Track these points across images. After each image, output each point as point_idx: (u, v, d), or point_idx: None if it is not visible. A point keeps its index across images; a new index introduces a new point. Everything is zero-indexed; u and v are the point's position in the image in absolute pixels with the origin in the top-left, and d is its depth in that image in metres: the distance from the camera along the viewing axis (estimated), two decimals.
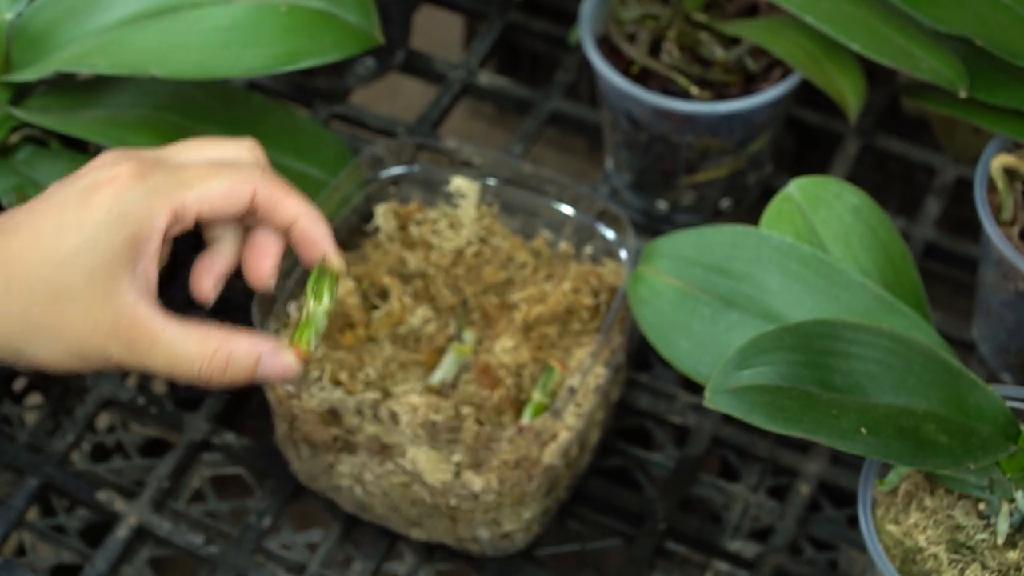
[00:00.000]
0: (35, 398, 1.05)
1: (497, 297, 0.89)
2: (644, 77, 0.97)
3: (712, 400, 0.70)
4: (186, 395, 1.07)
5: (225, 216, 0.68)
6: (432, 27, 1.38)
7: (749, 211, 0.98)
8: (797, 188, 0.85)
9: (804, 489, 0.92)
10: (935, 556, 0.72)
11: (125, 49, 0.84)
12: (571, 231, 0.91)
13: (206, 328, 0.67)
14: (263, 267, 0.70)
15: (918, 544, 0.73)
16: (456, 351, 0.87)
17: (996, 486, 0.72)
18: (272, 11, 0.85)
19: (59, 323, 0.64)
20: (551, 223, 0.92)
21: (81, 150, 0.89)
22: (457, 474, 0.82)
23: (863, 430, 0.69)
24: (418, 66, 1.14)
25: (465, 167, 0.92)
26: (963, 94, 0.86)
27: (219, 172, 0.67)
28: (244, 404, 1.03)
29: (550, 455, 0.82)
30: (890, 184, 1.22)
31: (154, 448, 1.03)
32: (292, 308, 0.86)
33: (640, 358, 0.98)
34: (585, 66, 1.08)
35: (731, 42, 0.98)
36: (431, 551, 0.89)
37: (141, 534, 0.90)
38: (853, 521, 0.93)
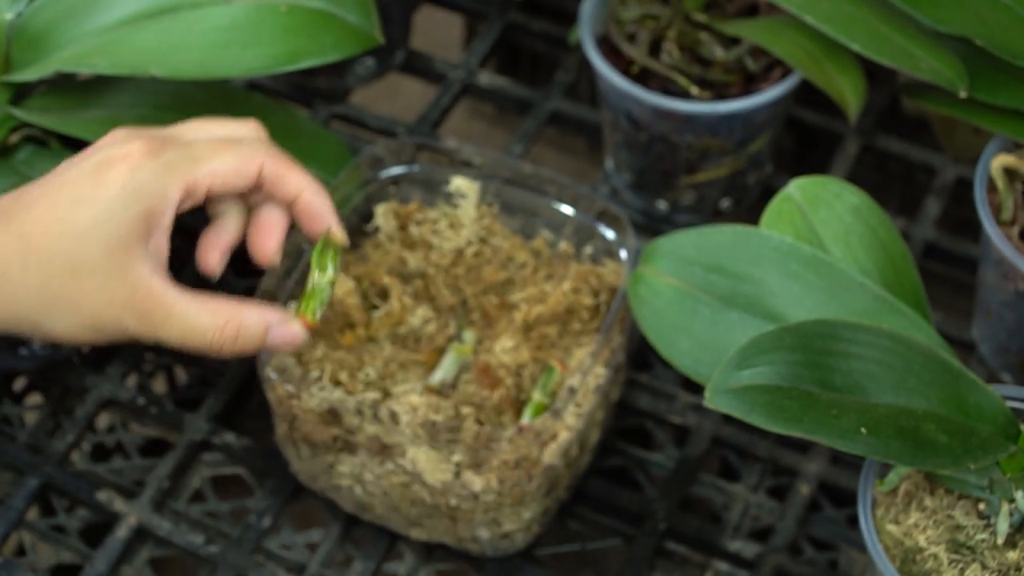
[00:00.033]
0: (35, 398, 1.05)
1: (497, 297, 0.89)
2: (644, 77, 0.97)
3: (712, 400, 0.70)
4: (186, 395, 1.07)
5: (234, 190, 0.70)
6: (432, 27, 1.38)
7: (749, 211, 0.98)
8: (797, 188, 0.85)
9: (804, 489, 0.92)
10: (935, 556, 0.72)
11: (125, 49, 0.84)
12: (571, 231, 0.91)
13: (216, 300, 0.68)
14: (269, 245, 0.72)
15: (918, 544, 0.73)
16: (456, 351, 0.87)
17: (996, 486, 0.72)
18: (272, 11, 0.85)
19: (76, 296, 0.66)
20: (551, 223, 0.92)
21: (81, 150, 0.89)
22: (457, 474, 0.82)
23: (863, 430, 0.69)
24: (418, 66, 1.14)
25: (465, 167, 0.92)
26: (963, 94, 0.86)
27: (228, 147, 0.69)
28: (244, 404, 1.03)
29: (550, 455, 0.82)
30: (890, 184, 1.22)
31: (154, 448, 1.03)
32: (292, 307, 0.86)
33: (640, 358, 0.98)
34: (585, 66, 1.08)
35: (731, 42, 0.98)
36: (431, 551, 0.89)
37: (141, 534, 0.90)
38: (853, 521, 0.93)
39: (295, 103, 1.11)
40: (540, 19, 1.18)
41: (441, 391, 0.85)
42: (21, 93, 0.88)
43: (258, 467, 0.93)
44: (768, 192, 0.92)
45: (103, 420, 1.07)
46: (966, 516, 0.73)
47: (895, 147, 1.09)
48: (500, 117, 1.57)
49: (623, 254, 0.89)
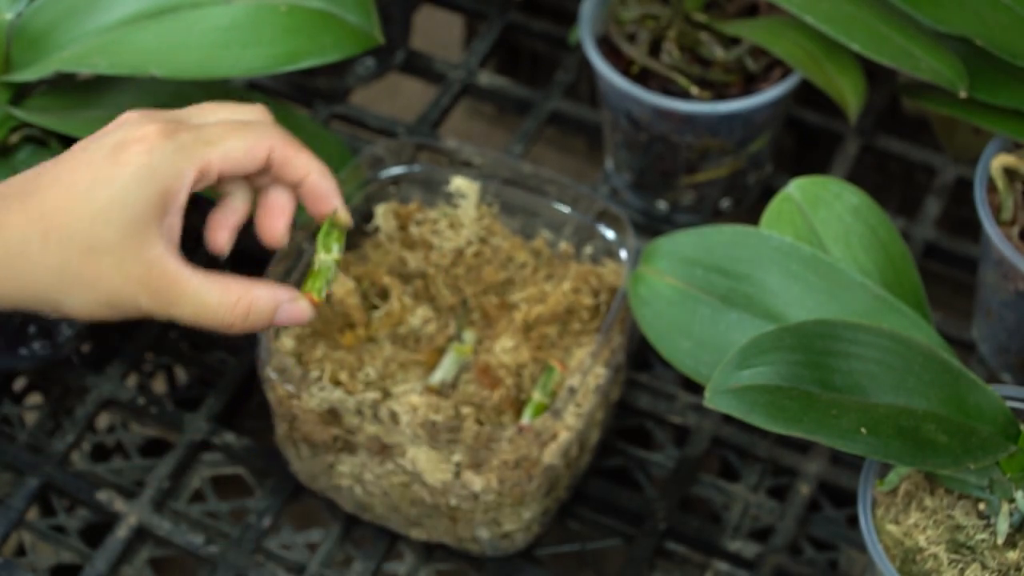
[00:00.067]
0: (35, 398, 1.05)
1: (497, 297, 0.89)
2: (644, 77, 0.97)
3: (712, 400, 0.70)
4: (186, 395, 1.07)
5: (244, 172, 0.72)
6: (432, 27, 1.38)
7: (749, 211, 0.98)
8: (797, 188, 0.85)
9: (804, 489, 0.92)
10: (935, 556, 0.72)
11: (125, 49, 0.84)
12: (571, 231, 0.91)
13: (228, 278, 0.70)
14: (277, 226, 0.74)
15: (918, 544, 0.73)
16: (456, 351, 0.87)
17: (996, 486, 0.72)
18: (272, 11, 0.85)
19: (94, 274, 0.68)
20: (551, 223, 0.92)
21: None
22: (457, 474, 0.82)
23: (863, 430, 0.69)
24: (418, 66, 1.14)
25: (465, 167, 0.92)
26: (963, 94, 0.86)
27: (240, 130, 0.71)
28: (244, 404, 1.03)
29: (550, 455, 0.82)
30: (890, 184, 1.22)
31: (154, 448, 1.03)
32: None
33: (640, 358, 0.98)
34: (585, 66, 1.08)
35: (731, 42, 0.98)
36: (431, 551, 0.89)
37: (141, 534, 0.90)
38: (853, 521, 0.93)
39: (295, 103, 1.11)
40: (540, 19, 1.18)
41: (441, 391, 0.85)
42: (21, 93, 0.88)
43: (258, 467, 0.93)
44: (768, 192, 0.92)
45: (103, 420, 1.07)
46: (966, 516, 0.73)
47: (895, 147, 1.09)
48: (500, 117, 1.57)
49: (623, 254, 0.89)
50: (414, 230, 0.91)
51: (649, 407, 0.95)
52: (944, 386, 0.71)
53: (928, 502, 0.74)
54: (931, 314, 0.82)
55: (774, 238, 0.82)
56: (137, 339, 0.98)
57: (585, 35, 0.98)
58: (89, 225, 0.67)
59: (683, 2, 0.97)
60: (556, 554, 0.91)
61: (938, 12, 0.85)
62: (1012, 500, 0.72)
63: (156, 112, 0.72)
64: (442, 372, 0.86)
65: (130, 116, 0.71)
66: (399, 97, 1.48)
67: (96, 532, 0.93)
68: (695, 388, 0.92)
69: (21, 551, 0.96)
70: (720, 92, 0.97)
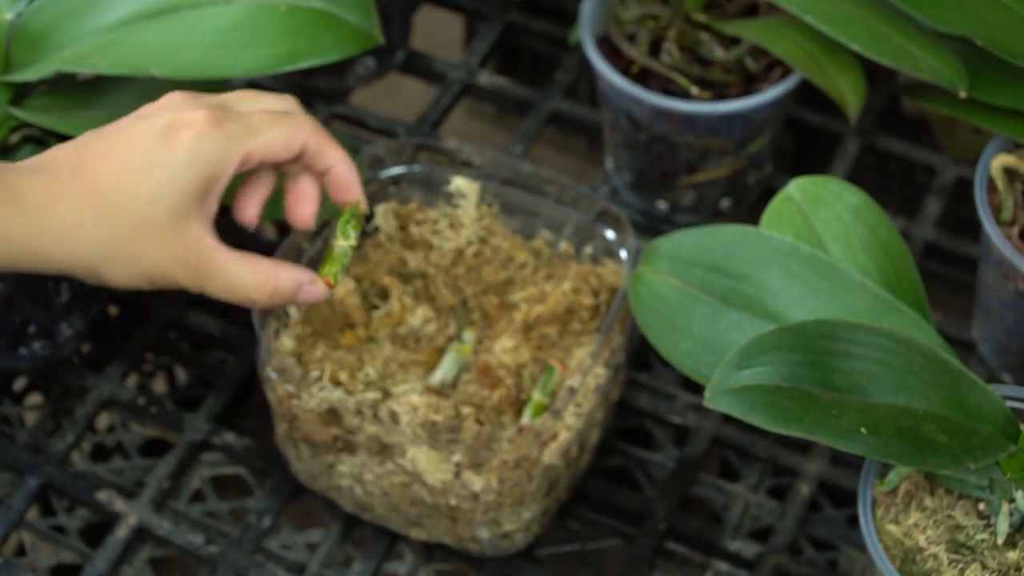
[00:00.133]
0: (35, 398, 1.05)
1: (497, 297, 0.89)
2: (644, 77, 0.97)
3: (712, 400, 0.70)
4: (186, 395, 1.07)
5: (281, 160, 0.76)
6: (432, 27, 1.38)
7: (749, 211, 0.98)
8: (797, 188, 0.85)
9: (804, 489, 0.92)
10: (935, 556, 0.72)
11: (125, 49, 0.84)
12: (571, 231, 0.91)
13: (257, 260, 0.75)
14: (307, 212, 0.78)
15: (918, 544, 0.73)
16: (456, 351, 0.87)
17: (996, 486, 0.72)
18: (272, 11, 0.85)
19: (139, 250, 0.72)
20: (551, 223, 0.92)
21: None
22: (457, 474, 0.82)
23: (863, 430, 0.69)
24: (418, 66, 1.14)
25: (465, 167, 0.92)
26: (963, 94, 0.86)
27: (280, 121, 0.75)
28: (244, 404, 1.03)
29: (550, 455, 0.82)
30: (890, 184, 1.22)
31: (154, 448, 1.03)
32: (292, 308, 0.86)
33: (640, 358, 0.98)
34: (585, 66, 1.08)
35: (731, 42, 0.98)
36: (431, 551, 0.89)
37: (141, 534, 0.90)
38: (853, 521, 0.93)
39: None
40: (540, 19, 1.18)
41: (441, 391, 0.85)
42: (21, 93, 0.88)
43: (258, 467, 0.93)
44: (768, 192, 0.92)
45: (103, 420, 1.07)
46: (966, 516, 0.73)
47: (895, 147, 1.09)
48: (500, 117, 1.57)
49: (623, 254, 0.89)
50: (414, 230, 0.91)
51: (649, 407, 0.95)
52: (944, 386, 0.71)
53: (928, 502, 0.74)
54: (931, 314, 0.82)
55: (774, 238, 0.82)
56: (137, 339, 0.98)
57: (585, 35, 0.98)
58: (139, 205, 0.71)
59: (683, 2, 0.97)
60: (556, 554, 0.91)
61: (938, 12, 0.85)
62: (1012, 500, 0.72)
63: (200, 96, 0.75)
64: (442, 372, 0.86)
65: (174, 98, 0.75)
66: (399, 97, 1.49)
67: (96, 532, 0.93)
68: (695, 388, 0.92)
69: (21, 551, 0.96)
70: (720, 92, 0.97)
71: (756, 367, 0.71)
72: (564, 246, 0.91)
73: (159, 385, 1.17)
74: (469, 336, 0.88)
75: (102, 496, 0.91)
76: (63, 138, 0.87)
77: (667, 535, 0.90)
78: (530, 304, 0.88)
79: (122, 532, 0.89)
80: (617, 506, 0.91)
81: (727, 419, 0.93)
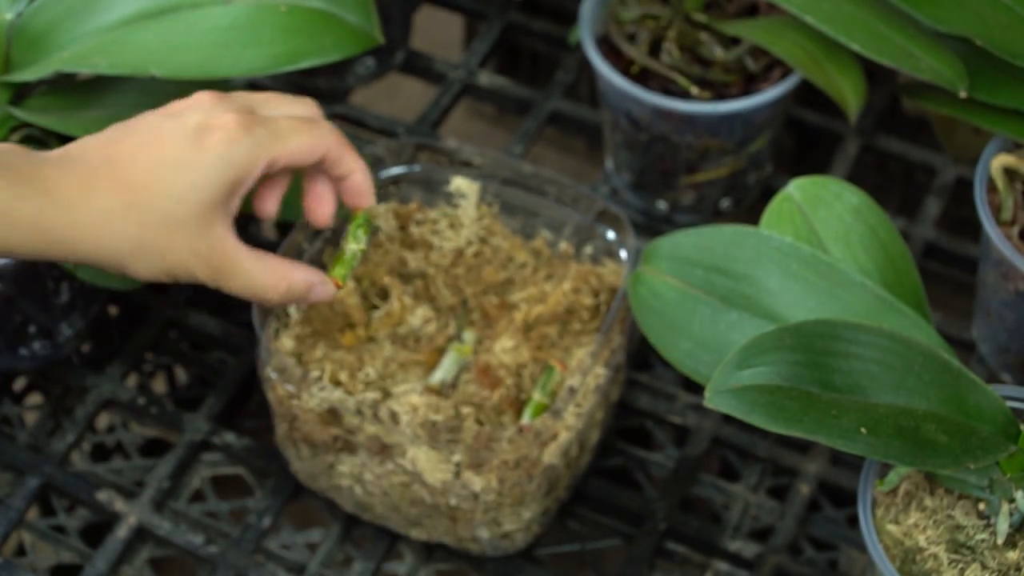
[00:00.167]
0: (35, 398, 1.05)
1: (497, 297, 0.89)
2: (644, 77, 0.97)
3: (712, 400, 0.70)
4: (186, 395, 1.07)
5: (303, 165, 0.78)
6: (432, 27, 1.38)
7: (749, 211, 0.98)
8: (797, 188, 0.85)
9: (804, 489, 0.92)
10: (935, 556, 0.72)
11: (125, 49, 0.84)
12: (571, 231, 0.91)
13: (273, 259, 0.77)
14: (326, 211, 0.81)
15: (918, 544, 0.73)
16: (456, 351, 0.87)
17: (996, 486, 0.72)
18: (272, 11, 0.85)
19: (164, 247, 0.74)
20: (551, 223, 0.91)
21: None
22: (457, 474, 0.82)
23: (863, 430, 0.69)
24: (418, 66, 1.14)
25: (465, 167, 0.92)
26: (963, 94, 0.86)
27: (305, 128, 0.77)
28: (244, 404, 1.03)
29: (550, 455, 0.82)
30: (890, 184, 1.22)
31: (154, 448, 1.03)
32: (292, 308, 0.86)
33: (640, 358, 0.98)
34: (585, 66, 1.08)
35: (731, 42, 0.98)
36: (431, 551, 0.89)
37: (141, 534, 0.90)
38: (853, 521, 0.93)
39: None
40: (540, 19, 1.18)
41: (441, 391, 0.85)
42: (21, 93, 0.88)
43: (258, 467, 0.93)
44: (768, 192, 0.92)
45: (103, 420, 1.07)
46: (966, 516, 0.73)
47: (895, 147, 1.09)
48: (500, 117, 1.57)
49: (623, 254, 0.89)
50: (414, 230, 0.91)
51: (649, 407, 0.95)
52: (944, 386, 0.71)
53: (928, 502, 0.74)
54: (931, 314, 0.82)
55: (774, 238, 0.82)
56: (137, 339, 0.98)
57: (585, 35, 0.98)
58: (168, 203, 0.73)
59: (683, 2, 0.97)
60: (556, 554, 0.91)
61: (938, 12, 0.85)
62: (1012, 500, 0.72)
63: (229, 97, 0.77)
64: (442, 372, 0.86)
65: (204, 99, 0.76)
66: (399, 97, 1.49)
67: (96, 532, 0.93)
68: (695, 388, 0.92)
69: (21, 551, 0.96)
70: (720, 92, 0.97)
71: (756, 367, 0.71)
72: (564, 246, 0.91)
73: (159, 385, 1.17)
74: (469, 336, 0.88)
75: (102, 496, 0.91)
76: (63, 138, 0.87)
77: (667, 535, 0.90)
78: (530, 304, 0.88)
79: (122, 532, 0.89)
80: (617, 506, 0.91)
81: (727, 419, 0.93)
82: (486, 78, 1.13)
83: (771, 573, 0.88)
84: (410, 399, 0.83)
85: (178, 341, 1.02)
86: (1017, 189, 0.87)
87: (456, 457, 0.81)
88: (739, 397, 0.70)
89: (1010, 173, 0.86)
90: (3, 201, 0.71)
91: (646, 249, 0.85)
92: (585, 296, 0.88)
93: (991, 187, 0.87)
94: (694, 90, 0.96)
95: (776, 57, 0.96)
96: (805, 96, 1.06)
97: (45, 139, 0.87)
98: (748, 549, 0.89)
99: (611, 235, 0.89)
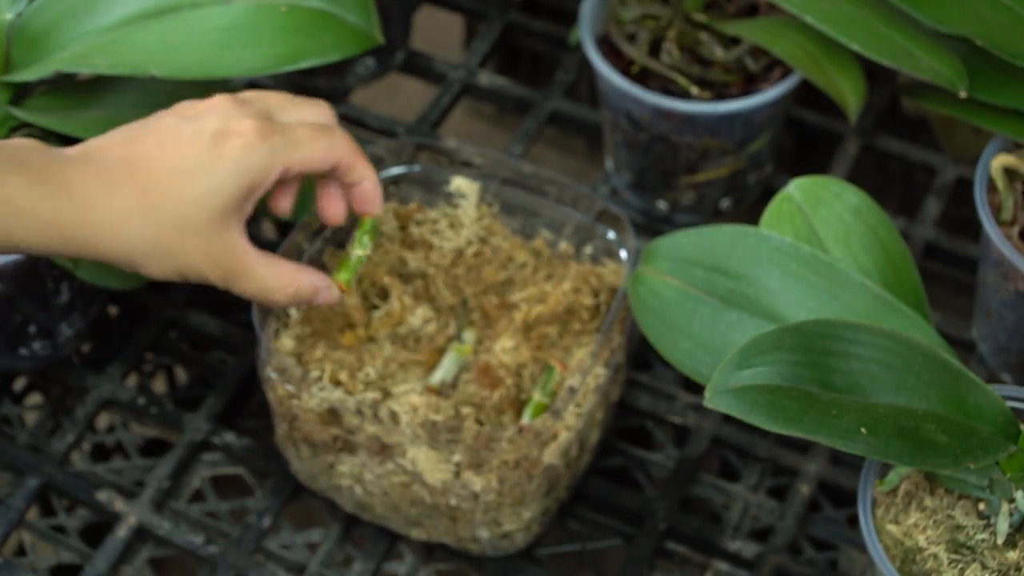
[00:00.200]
0: (35, 398, 1.05)
1: (497, 297, 0.89)
2: (644, 77, 0.97)
3: (712, 400, 0.70)
4: (186, 395, 1.07)
5: (316, 172, 0.80)
6: (432, 27, 1.38)
7: (749, 211, 0.98)
8: (797, 188, 0.84)
9: (804, 489, 0.92)
10: (935, 556, 0.72)
11: (125, 49, 0.84)
12: (571, 231, 0.91)
13: (281, 263, 0.79)
14: (338, 211, 0.83)
15: (918, 544, 0.73)
16: (456, 351, 0.87)
17: (996, 486, 0.72)
18: (272, 11, 0.85)
19: (179, 249, 0.75)
20: (551, 223, 0.91)
21: None
22: (457, 474, 0.82)
23: (863, 430, 0.69)
24: (418, 66, 1.14)
25: (465, 167, 0.92)
26: (963, 94, 0.86)
27: (321, 137, 0.78)
28: (244, 404, 1.03)
29: (550, 455, 0.82)
30: (890, 184, 1.22)
31: (154, 448, 1.03)
32: (292, 308, 0.86)
33: (640, 358, 0.98)
34: (585, 66, 1.08)
35: (731, 42, 0.98)
36: (431, 551, 0.89)
37: (141, 534, 0.90)
38: (853, 521, 0.93)
39: None
40: (540, 19, 1.18)
41: (441, 391, 0.85)
42: (21, 93, 0.88)
43: (258, 467, 0.93)
44: (768, 192, 0.92)
45: (103, 420, 1.07)
46: (966, 516, 0.73)
47: (895, 147, 1.09)
48: (500, 117, 1.57)
49: (623, 254, 0.89)
50: (414, 230, 0.91)
51: (649, 407, 0.95)
52: (944, 386, 0.71)
53: (928, 502, 0.74)
54: (931, 314, 0.82)
55: (774, 238, 0.82)
56: (137, 339, 0.98)
57: (585, 35, 0.98)
58: (184, 207, 0.75)
59: (683, 2, 0.97)
60: (556, 554, 0.91)
61: (938, 12, 0.85)
62: (1012, 500, 0.72)
63: (246, 102, 0.78)
64: (442, 372, 0.86)
65: (224, 103, 0.77)
66: (399, 97, 1.49)
67: (96, 532, 0.93)
68: (695, 388, 0.92)
69: (21, 551, 0.96)
70: (720, 92, 0.97)
71: (756, 367, 0.71)
72: (564, 246, 0.91)
73: (159, 385, 1.17)
74: (469, 336, 0.88)
75: (102, 496, 0.91)
76: (63, 138, 0.87)
77: (667, 535, 0.90)
78: (530, 304, 0.88)
79: (122, 532, 0.89)
80: (617, 506, 0.91)
81: (727, 419, 0.93)
82: (486, 78, 1.13)
83: (771, 573, 0.88)
84: (410, 399, 0.83)
85: (178, 341, 1.02)
86: (1017, 189, 0.87)
87: (456, 457, 0.81)
88: (739, 397, 0.70)
89: (1010, 173, 0.86)
90: (25, 200, 0.72)
91: (646, 249, 0.85)
92: (585, 296, 0.88)
93: (991, 187, 0.87)
94: (694, 90, 0.96)
95: (776, 57, 0.96)
96: (805, 96, 1.06)
97: (45, 139, 0.87)
98: (748, 549, 0.89)
99: (611, 235, 0.89)
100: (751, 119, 0.97)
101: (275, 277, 0.78)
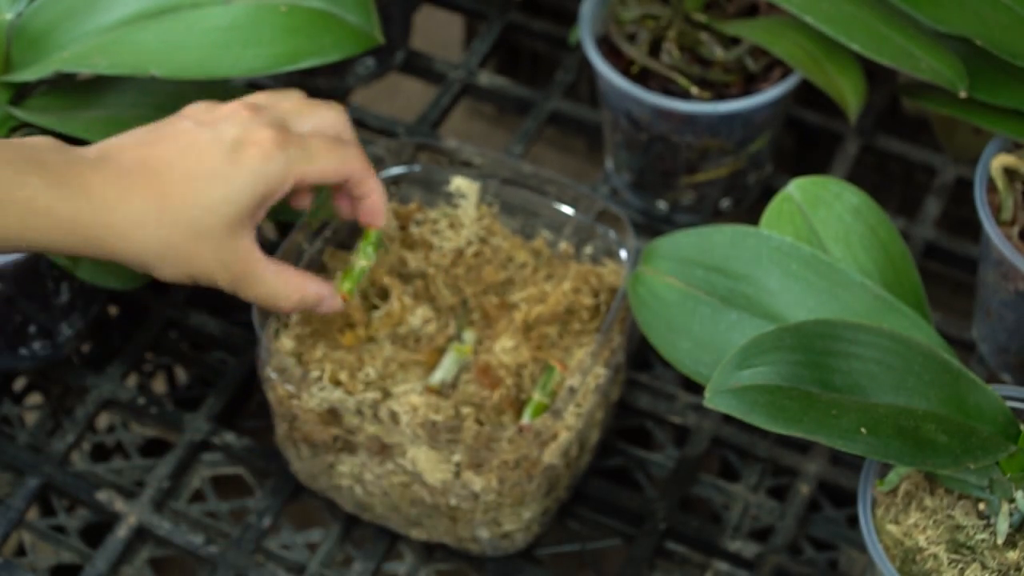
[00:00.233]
0: (35, 398, 1.05)
1: (497, 297, 0.89)
2: (644, 77, 0.97)
3: (712, 400, 0.70)
4: (186, 395, 1.07)
5: (328, 183, 0.82)
6: (432, 27, 1.38)
7: (749, 211, 0.98)
8: (797, 188, 0.84)
9: (804, 489, 0.92)
10: (935, 556, 0.72)
11: (125, 49, 0.84)
12: (571, 231, 0.91)
13: (288, 271, 0.81)
14: (352, 212, 0.85)
15: (918, 544, 0.73)
16: (456, 351, 0.87)
17: (996, 486, 0.72)
18: (272, 11, 0.85)
19: (191, 254, 0.77)
20: (551, 223, 0.92)
21: None
22: (457, 474, 0.82)
23: (863, 430, 0.69)
24: (418, 66, 1.14)
25: (465, 167, 0.92)
26: (963, 94, 0.86)
27: (335, 151, 0.80)
28: (244, 404, 1.03)
29: (550, 455, 0.82)
30: (890, 184, 1.22)
31: (154, 448, 1.03)
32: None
33: (640, 358, 0.98)
34: (585, 66, 1.08)
35: (731, 42, 0.98)
36: (431, 551, 0.89)
37: (141, 534, 0.90)
38: (853, 521, 0.93)
39: None
40: (540, 19, 1.18)
41: (441, 391, 0.85)
42: (21, 93, 0.88)
43: (258, 467, 0.93)
44: (768, 192, 0.92)
45: (103, 420, 1.07)
46: (966, 516, 0.73)
47: (895, 147, 1.09)
48: (500, 117, 1.57)
49: (623, 254, 0.89)
50: (414, 230, 0.91)
51: (649, 407, 0.95)
52: (944, 386, 0.71)
53: (928, 502, 0.74)
54: (931, 314, 0.82)
55: (774, 238, 0.82)
56: (137, 339, 0.98)
57: (585, 35, 0.98)
58: (200, 214, 0.76)
59: (683, 2, 0.97)
60: (556, 554, 0.91)
61: (938, 12, 0.85)
62: (1012, 500, 0.72)
63: (263, 109, 0.79)
64: (442, 372, 0.86)
65: (242, 112, 0.79)
66: (399, 97, 1.49)
67: (96, 532, 0.93)
68: (695, 388, 0.92)
69: (21, 551, 0.96)
70: (720, 92, 0.97)
71: (756, 367, 0.71)
72: (564, 246, 0.91)
73: (159, 385, 1.17)
74: (469, 336, 0.88)
75: (102, 496, 0.91)
76: (63, 138, 0.87)
77: (667, 535, 0.90)
78: (530, 304, 0.88)
79: (122, 532, 0.89)
80: (617, 506, 0.91)
81: (727, 419, 0.93)
82: (486, 78, 1.13)
83: (771, 573, 0.88)
84: (410, 399, 0.83)
85: (178, 341, 1.02)
86: (1017, 189, 0.87)
87: (456, 457, 0.81)
88: (739, 397, 0.70)
89: (1010, 173, 0.86)
90: (44, 202, 0.73)
91: (646, 249, 0.85)
92: (585, 296, 0.88)
93: (991, 187, 0.87)
94: (694, 90, 0.96)
95: (776, 57, 0.96)
96: (805, 96, 1.06)
97: None
98: (748, 549, 0.89)
99: (611, 235, 0.89)
100: (751, 119, 0.97)
101: (283, 284, 0.80)
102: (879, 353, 0.72)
